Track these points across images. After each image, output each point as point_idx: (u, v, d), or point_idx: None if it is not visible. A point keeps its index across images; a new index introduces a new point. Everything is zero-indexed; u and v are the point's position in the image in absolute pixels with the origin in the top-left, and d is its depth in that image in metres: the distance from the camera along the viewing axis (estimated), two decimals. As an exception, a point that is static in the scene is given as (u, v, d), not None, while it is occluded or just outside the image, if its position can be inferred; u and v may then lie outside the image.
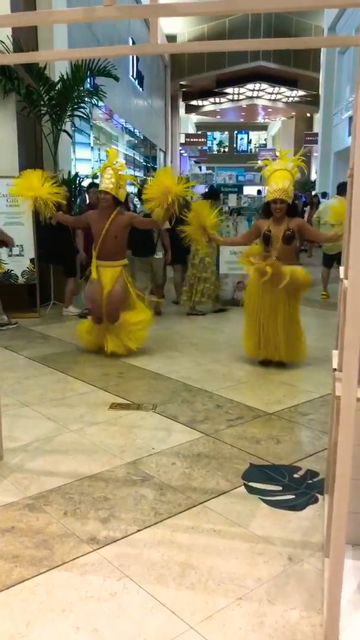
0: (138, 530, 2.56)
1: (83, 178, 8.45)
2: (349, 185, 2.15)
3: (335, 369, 2.28)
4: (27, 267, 7.27)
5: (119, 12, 2.26)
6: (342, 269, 2.51)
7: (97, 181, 7.03)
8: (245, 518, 2.67)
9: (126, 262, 5.49)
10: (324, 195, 15.36)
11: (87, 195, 7.86)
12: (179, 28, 25.39)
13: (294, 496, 2.88)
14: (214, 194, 8.13)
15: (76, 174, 8.40)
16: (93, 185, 7.50)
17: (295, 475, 3.09)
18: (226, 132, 42.58)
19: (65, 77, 7.60)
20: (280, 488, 2.96)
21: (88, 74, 8.03)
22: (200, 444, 3.47)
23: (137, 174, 18.59)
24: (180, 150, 31.83)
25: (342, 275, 2.41)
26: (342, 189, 8.83)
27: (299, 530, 2.59)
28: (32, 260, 7.27)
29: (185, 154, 31.25)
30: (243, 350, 5.21)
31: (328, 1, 2.06)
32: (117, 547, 2.44)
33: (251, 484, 2.99)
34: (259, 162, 5.17)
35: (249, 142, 43.13)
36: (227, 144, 42.89)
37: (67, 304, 7.42)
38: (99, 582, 2.21)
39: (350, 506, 1.77)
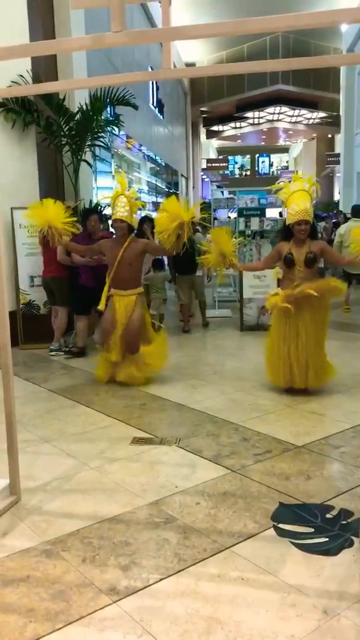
0: (160, 579, 2.39)
1: (104, 207, 8.41)
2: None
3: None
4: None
5: (128, 38, 2.19)
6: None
7: (107, 211, 6.69)
8: (275, 564, 2.48)
9: (141, 291, 5.40)
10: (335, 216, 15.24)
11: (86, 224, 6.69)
12: (197, 56, 25.78)
13: (327, 539, 2.68)
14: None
15: (97, 204, 8.38)
16: (92, 212, 7.00)
17: (328, 515, 2.89)
18: (248, 156, 42.79)
19: (84, 107, 7.65)
20: (312, 530, 2.76)
21: (107, 103, 8.09)
22: (226, 482, 3.29)
23: (159, 200, 18.70)
24: (201, 175, 32.03)
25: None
26: (357, 212, 8.83)
27: (334, 578, 2.39)
28: (53, 290, 7.23)
29: (206, 179, 31.42)
30: (268, 379, 5.04)
31: (336, 17, 1.95)
32: (138, 598, 2.28)
33: (281, 525, 2.80)
34: (280, 183, 5.05)
35: (271, 164, 43.27)
36: (248, 167, 43.07)
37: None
38: (118, 639, 2.05)
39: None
